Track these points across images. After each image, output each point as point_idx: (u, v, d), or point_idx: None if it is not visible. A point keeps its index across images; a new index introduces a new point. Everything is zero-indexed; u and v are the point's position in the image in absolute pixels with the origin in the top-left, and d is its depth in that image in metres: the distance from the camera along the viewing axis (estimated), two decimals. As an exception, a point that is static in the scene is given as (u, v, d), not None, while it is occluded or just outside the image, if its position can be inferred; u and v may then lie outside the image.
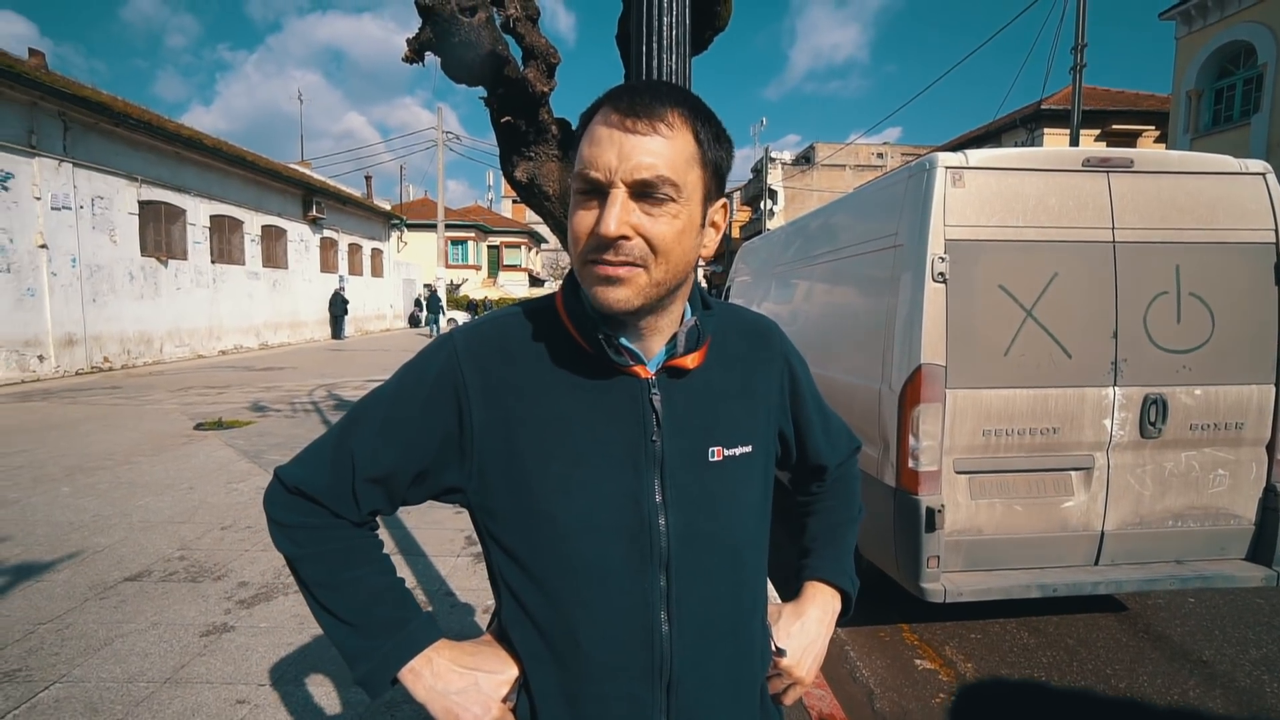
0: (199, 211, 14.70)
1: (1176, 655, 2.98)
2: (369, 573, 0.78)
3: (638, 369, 0.75)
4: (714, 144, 0.70)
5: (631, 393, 0.75)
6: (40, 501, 4.54)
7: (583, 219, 0.67)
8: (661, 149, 0.65)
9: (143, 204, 12.93)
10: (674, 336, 0.77)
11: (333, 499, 0.76)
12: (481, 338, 0.77)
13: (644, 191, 0.66)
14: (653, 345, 0.76)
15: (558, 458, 0.72)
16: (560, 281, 0.85)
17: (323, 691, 2.42)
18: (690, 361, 0.77)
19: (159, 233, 13.52)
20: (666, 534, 0.74)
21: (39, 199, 10.53)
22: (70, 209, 11.12)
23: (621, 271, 0.67)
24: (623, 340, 0.73)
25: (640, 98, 0.66)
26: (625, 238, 0.65)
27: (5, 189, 9.96)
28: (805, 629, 0.91)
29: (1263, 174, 2.80)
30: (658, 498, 0.74)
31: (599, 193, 0.66)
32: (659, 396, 0.75)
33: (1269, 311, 2.77)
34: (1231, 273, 2.75)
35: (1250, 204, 2.77)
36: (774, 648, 0.88)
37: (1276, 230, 2.76)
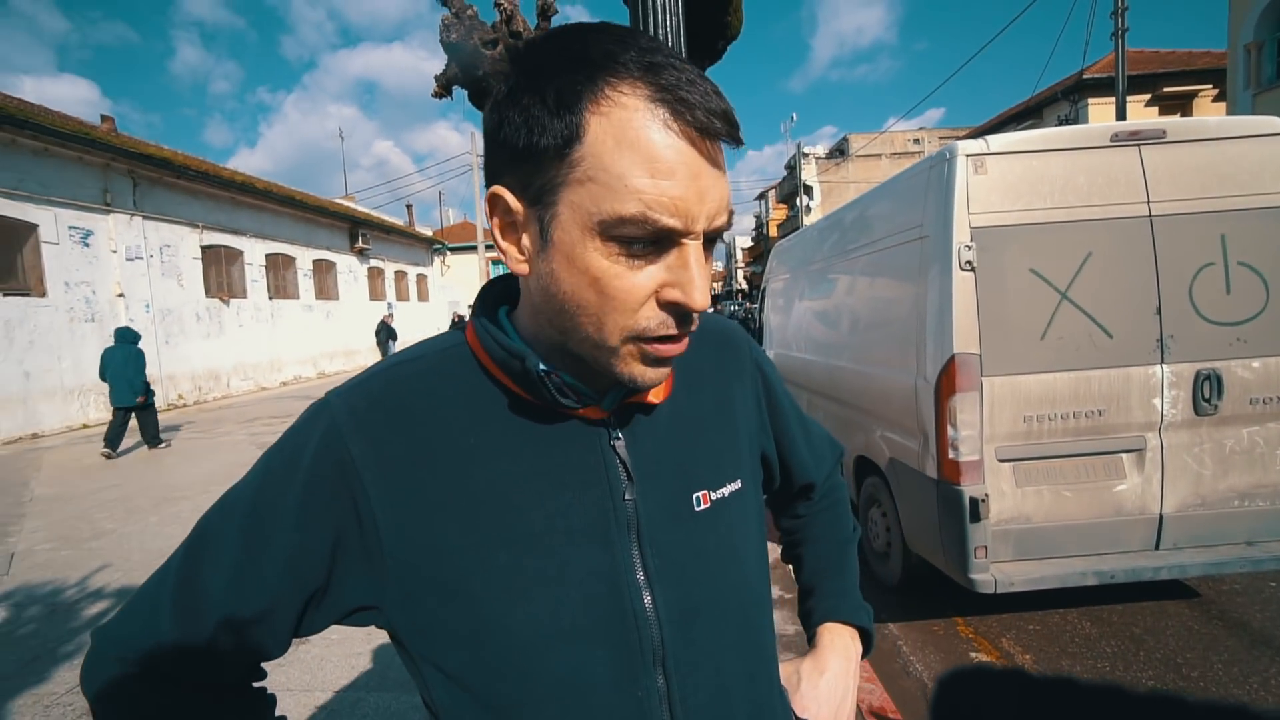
0: (255, 251, 15.58)
1: (1256, 642, 2.84)
2: None
3: (588, 411, 0.56)
4: None
5: (587, 442, 0.57)
6: (133, 530, 4.93)
7: (636, 281, 0.48)
8: (725, 176, 0.50)
9: (204, 248, 13.81)
10: None
11: (184, 664, 0.54)
12: (370, 398, 0.55)
13: (711, 238, 0.50)
14: (605, 379, 0.56)
15: (503, 544, 0.53)
16: None
17: (391, 697, 2.58)
18: (655, 394, 0.60)
19: (220, 274, 14.40)
20: (657, 619, 0.56)
21: (115, 252, 11.40)
22: (142, 259, 11.99)
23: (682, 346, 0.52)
24: (566, 377, 0.54)
25: (707, 97, 0.47)
26: None
27: (86, 245, 10.84)
28: (831, 687, 0.74)
29: (1310, 131, 2.67)
30: (639, 574, 0.56)
31: (665, 242, 0.48)
32: (622, 441, 0.58)
33: (1329, 275, 2.63)
34: (1284, 238, 2.63)
35: (1299, 164, 2.64)
36: None
37: (1331, 189, 2.63)
